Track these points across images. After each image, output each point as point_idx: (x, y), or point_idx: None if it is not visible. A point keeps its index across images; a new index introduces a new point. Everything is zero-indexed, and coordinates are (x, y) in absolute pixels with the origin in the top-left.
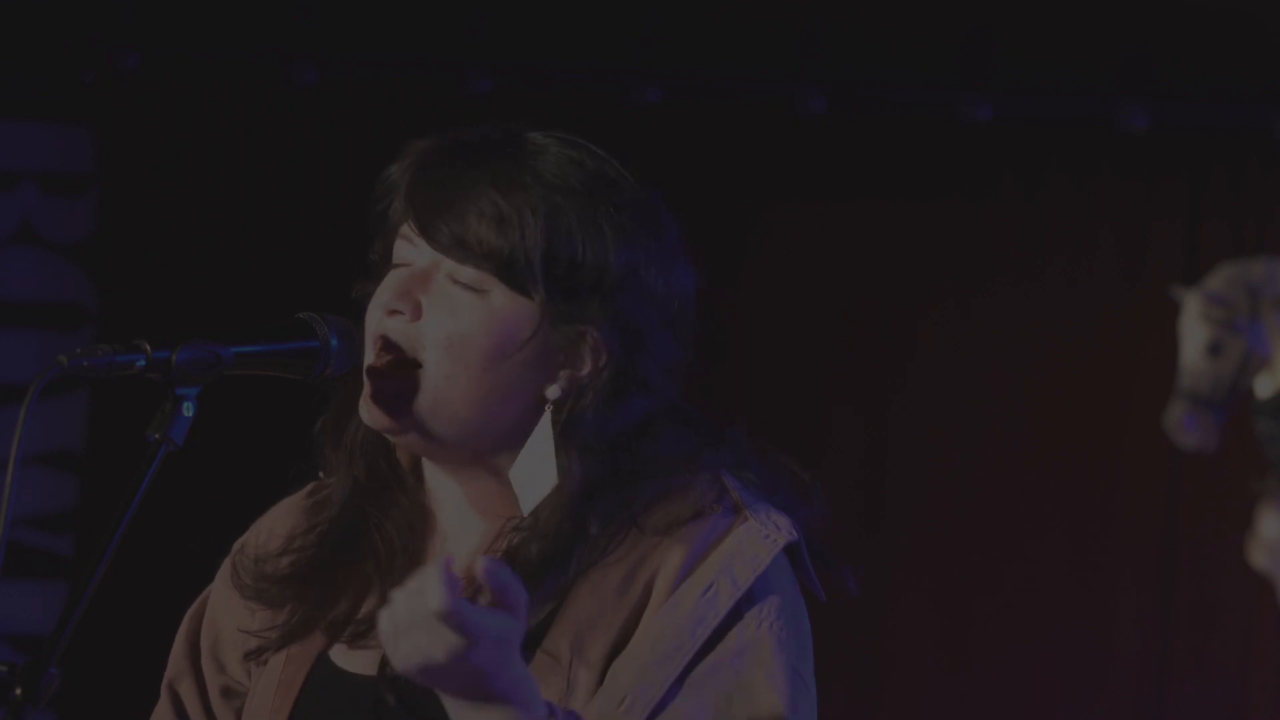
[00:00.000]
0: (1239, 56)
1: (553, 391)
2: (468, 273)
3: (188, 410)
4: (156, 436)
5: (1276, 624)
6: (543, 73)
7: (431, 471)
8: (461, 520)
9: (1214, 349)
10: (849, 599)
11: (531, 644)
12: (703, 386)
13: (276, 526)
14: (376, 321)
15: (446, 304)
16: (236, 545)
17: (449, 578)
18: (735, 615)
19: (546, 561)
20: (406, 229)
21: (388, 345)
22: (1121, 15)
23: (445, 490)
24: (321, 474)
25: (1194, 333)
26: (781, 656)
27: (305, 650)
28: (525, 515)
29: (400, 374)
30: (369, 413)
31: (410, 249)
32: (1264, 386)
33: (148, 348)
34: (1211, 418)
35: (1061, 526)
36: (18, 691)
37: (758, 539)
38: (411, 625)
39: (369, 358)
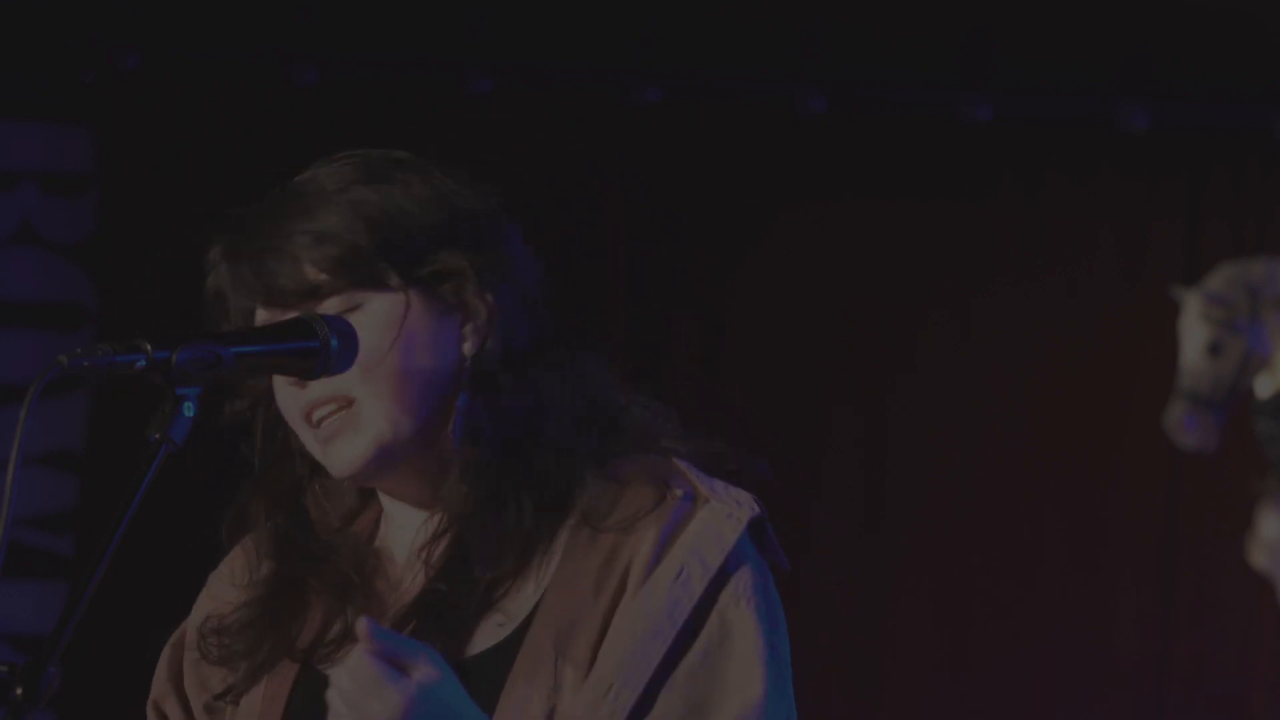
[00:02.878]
0: (1239, 56)
1: (469, 347)
2: (331, 304)
3: (188, 410)
4: (156, 436)
5: (1276, 624)
6: (543, 73)
7: (384, 497)
8: (414, 529)
9: (1214, 349)
10: (849, 599)
11: (513, 646)
12: (701, 387)
13: (219, 595)
14: (292, 398)
15: None
16: (182, 633)
17: (371, 639)
18: (710, 599)
19: (486, 518)
20: (259, 314)
21: (314, 407)
22: (1121, 15)
23: (394, 505)
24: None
25: (1194, 333)
26: (762, 633)
27: (283, 672)
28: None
29: (341, 418)
30: (339, 469)
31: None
32: (1264, 386)
33: (148, 348)
34: (1211, 418)
35: (1061, 526)
36: (18, 691)
37: (721, 519)
38: (362, 696)
39: (305, 434)
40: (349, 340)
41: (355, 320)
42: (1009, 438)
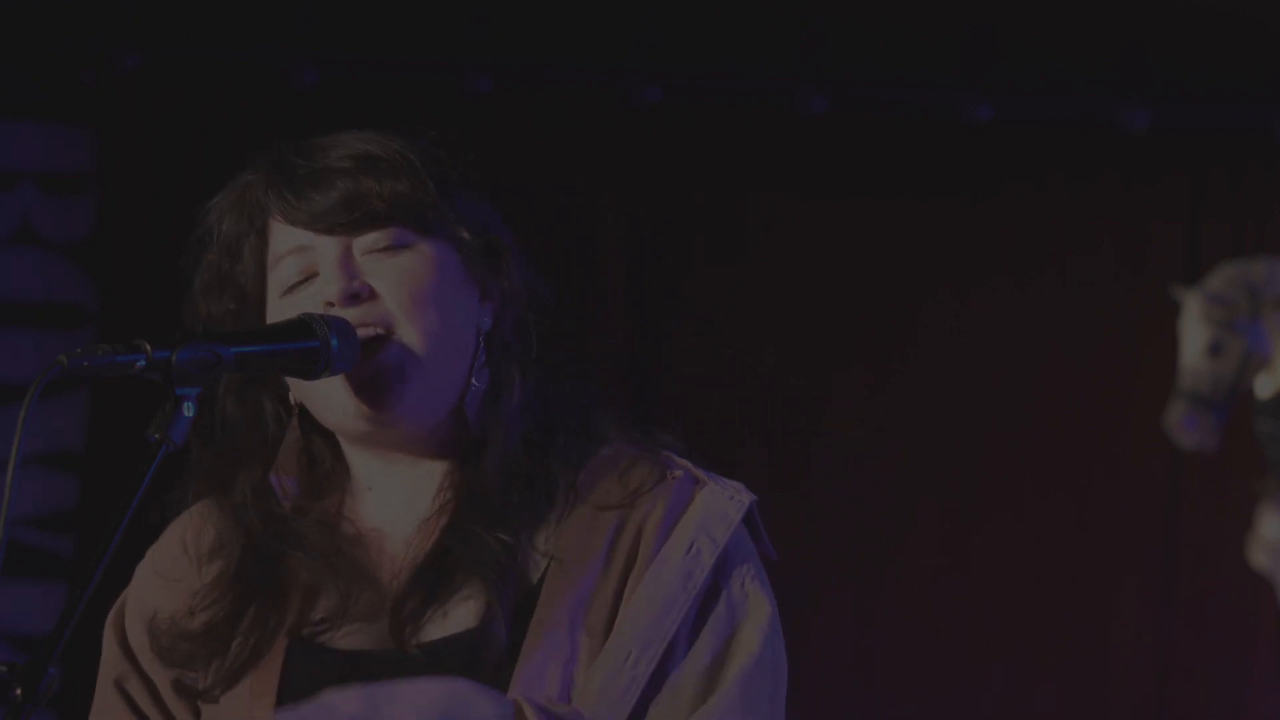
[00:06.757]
0: (1239, 56)
1: (485, 323)
2: (385, 235)
3: (188, 410)
4: (156, 436)
5: (1276, 624)
6: (543, 73)
7: (366, 461)
8: (401, 506)
9: (1214, 349)
10: (847, 602)
11: (523, 617)
12: (701, 386)
13: (165, 591)
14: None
15: (390, 270)
16: (121, 605)
17: None
18: (720, 573)
19: (502, 488)
20: (288, 240)
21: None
22: (1121, 15)
23: (382, 481)
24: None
25: (1194, 333)
26: (767, 608)
27: (270, 655)
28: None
29: (383, 349)
30: (362, 408)
31: (302, 257)
32: (1264, 386)
33: (148, 348)
34: (1211, 418)
35: (1062, 526)
36: (18, 691)
37: (724, 499)
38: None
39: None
40: (349, 339)
41: (410, 256)
42: (1009, 438)
